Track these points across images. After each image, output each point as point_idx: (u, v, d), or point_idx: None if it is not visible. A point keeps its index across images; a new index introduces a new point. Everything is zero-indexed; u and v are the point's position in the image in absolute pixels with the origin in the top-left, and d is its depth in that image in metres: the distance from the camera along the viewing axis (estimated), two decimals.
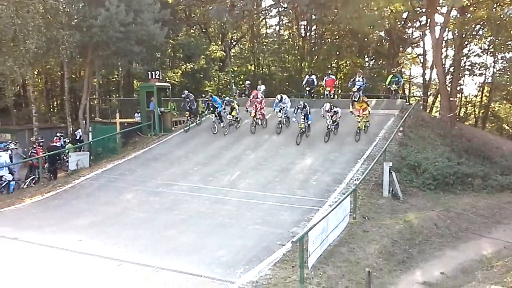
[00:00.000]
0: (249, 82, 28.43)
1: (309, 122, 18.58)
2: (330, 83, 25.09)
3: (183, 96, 22.34)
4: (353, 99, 18.75)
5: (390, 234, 11.11)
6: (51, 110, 34.54)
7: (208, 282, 8.66)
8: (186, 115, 21.96)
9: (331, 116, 18.18)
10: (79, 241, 10.90)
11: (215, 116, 20.96)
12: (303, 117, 18.39)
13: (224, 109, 21.02)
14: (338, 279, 8.71)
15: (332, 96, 25.14)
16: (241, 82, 33.91)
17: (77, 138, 22.99)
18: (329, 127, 18.22)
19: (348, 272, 9.02)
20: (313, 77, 25.21)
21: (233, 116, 20.73)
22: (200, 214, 12.75)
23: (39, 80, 32.59)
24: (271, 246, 10.30)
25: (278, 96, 20.18)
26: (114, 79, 35.20)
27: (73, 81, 30.48)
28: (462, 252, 11.26)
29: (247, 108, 20.73)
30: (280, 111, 19.72)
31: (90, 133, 22.63)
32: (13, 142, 19.84)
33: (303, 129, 18.35)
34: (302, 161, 16.36)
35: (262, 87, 27.23)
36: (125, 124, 22.88)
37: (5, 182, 16.45)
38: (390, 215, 12.44)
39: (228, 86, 36.05)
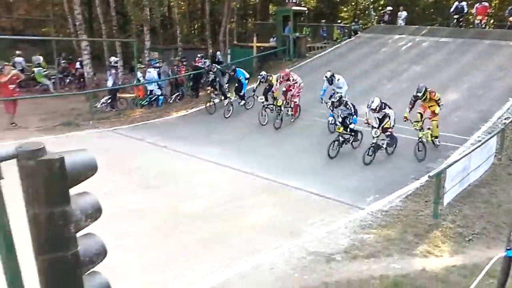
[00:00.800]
0: (391, 8, 26.57)
1: (353, 126, 11.71)
2: (482, 10, 22.30)
3: (203, 66, 19.07)
4: (416, 93, 11.39)
5: None
6: (192, 32, 36.39)
7: (337, 205, 8.90)
8: (209, 91, 17.10)
9: (379, 120, 11.19)
10: (219, 153, 11.84)
11: (236, 94, 16.33)
12: (341, 119, 11.81)
13: (256, 88, 15.51)
14: (476, 220, 8.30)
15: (483, 26, 22.48)
16: (380, 8, 31.89)
17: (217, 59, 24.10)
18: (375, 139, 11.09)
19: (487, 213, 8.53)
20: (463, 3, 22.57)
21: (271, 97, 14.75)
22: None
23: (183, 3, 34.28)
24: (404, 179, 10.09)
25: (327, 74, 13.81)
26: (251, 3, 35.59)
27: (213, 4, 31.47)
28: None
29: (273, 92, 14.78)
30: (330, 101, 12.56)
31: (228, 56, 23.57)
32: (160, 60, 21.58)
33: (344, 137, 11.75)
34: None
35: (404, 14, 25.39)
36: (261, 48, 23.33)
37: (155, 97, 18.18)
38: None
39: (366, 12, 34.23)
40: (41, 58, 21.62)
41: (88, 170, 2.26)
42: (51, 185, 2.03)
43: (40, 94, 19.34)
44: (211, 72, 16.65)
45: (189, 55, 23.48)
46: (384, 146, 11.34)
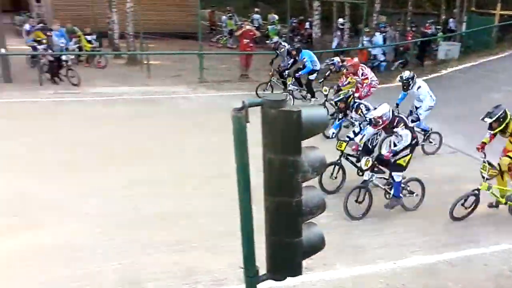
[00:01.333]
0: None
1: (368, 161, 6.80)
2: None
3: (272, 43, 15.47)
4: (484, 117, 6.51)
5: None
6: None
7: None
8: (270, 74, 13.65)
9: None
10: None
11: (295, 82, 12.70)
12: (352, 133, 7.83)
13: (326, 77, 12.23)
14: None
15: None
16: None
17: (449, 27, 22.12)
18: (368, 176, 6.86)
19: None
20: None
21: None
22: None
23: None
24: None
25: (404, 74, 9.24)
26: None
27: None
28: None
29: (339, 87, 10.83)
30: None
31: (464, 23, 21.39)
32: (387, 24, 20.82)
33: (349, 159, 7.68)
34: None
35: None
36: (505, 16, 20.45)
37: (377, 62, 17.78)
38: None
39: None
40: (276, 16, 23.23)
41: (320, 126, 2.36)
42: (287, 134, 2.19)
43: (271, 51, 20.86)
44: (278, 52, 13.55)
45: (419, 21, 22.11)
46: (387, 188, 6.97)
